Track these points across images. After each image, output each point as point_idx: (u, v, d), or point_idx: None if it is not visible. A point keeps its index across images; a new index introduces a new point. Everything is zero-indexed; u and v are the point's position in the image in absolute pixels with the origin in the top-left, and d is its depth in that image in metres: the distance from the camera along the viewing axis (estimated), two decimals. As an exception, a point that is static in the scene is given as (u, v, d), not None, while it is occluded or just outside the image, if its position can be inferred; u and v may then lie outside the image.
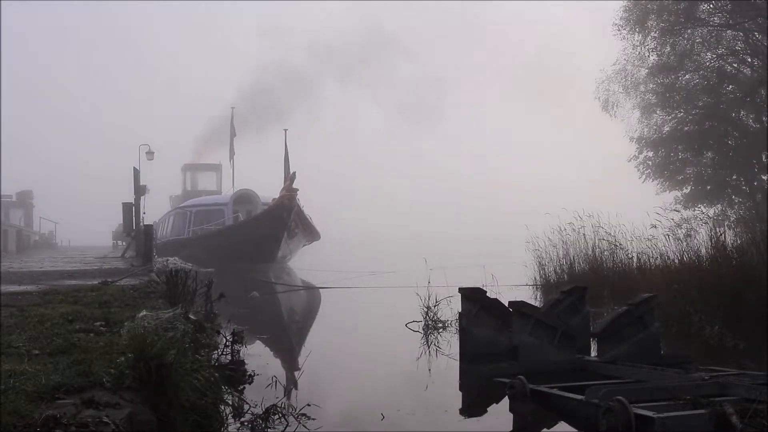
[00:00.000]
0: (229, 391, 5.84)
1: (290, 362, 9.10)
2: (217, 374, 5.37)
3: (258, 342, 10.09)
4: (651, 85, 23.99)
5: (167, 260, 19.80)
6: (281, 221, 28.69)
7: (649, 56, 23.48)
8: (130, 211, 25.63)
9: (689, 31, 22.71)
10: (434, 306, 10.79)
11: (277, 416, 5.13)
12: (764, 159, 22.66)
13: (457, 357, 8.05)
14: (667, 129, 23.92)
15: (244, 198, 33.81)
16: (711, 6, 23.03)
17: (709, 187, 23.29)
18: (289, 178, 29.03)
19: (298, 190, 29.14)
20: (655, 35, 22.67)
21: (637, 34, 22.94)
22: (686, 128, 23.33)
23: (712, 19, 22.95)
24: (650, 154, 24.07)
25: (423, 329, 10.46)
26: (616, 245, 14.34)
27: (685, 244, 12.17)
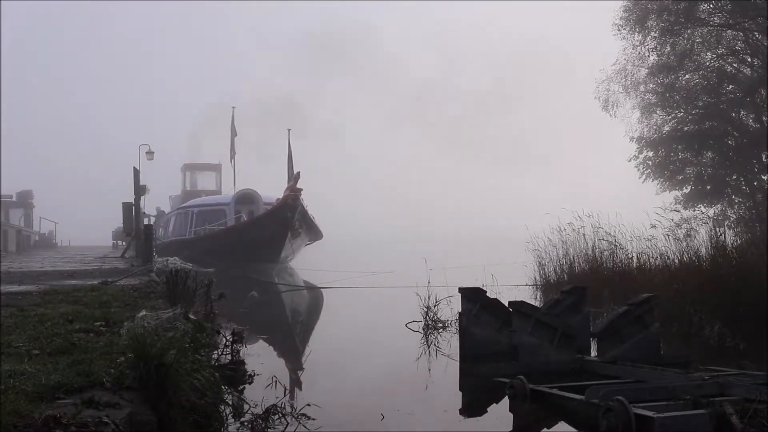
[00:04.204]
0: (229, 391, 5.84)
1: (290, 362, 9.11)
2: (217, 374, 5.37)
3: (258, 342, 10.09)
4: (651, 85, 23.94)
5: (167, 260, 19.83)
6: (286, 221, 28.67)
7: (649, 56, 23.46)
8: (130, 211, 25.64)
9: (689, 31, 22.67)
10: (434, 306, 10.79)
11: (277, 416, 5.13)
12: (764, 159, 22.62)
13: (457, 357, 8.05)
14: (667, 129, 23.88)
15: (246, 198, 33.72)
16: (711, 6, 23.00)
17: (709, 187, 23.24)
18: (294, 177, 29.03)
19: (302, 189, 29.15)
20: (655, 35, 22.65)
21: (637, 34, 22.93)
22: (686, 128, 23.30)
23: (712, 19, 22.92)
24: (650, 154, 24.05)
25: (423, 329, 10.46)
26: (616, 245, 14.33)
27: (685, 244, 12.18)
